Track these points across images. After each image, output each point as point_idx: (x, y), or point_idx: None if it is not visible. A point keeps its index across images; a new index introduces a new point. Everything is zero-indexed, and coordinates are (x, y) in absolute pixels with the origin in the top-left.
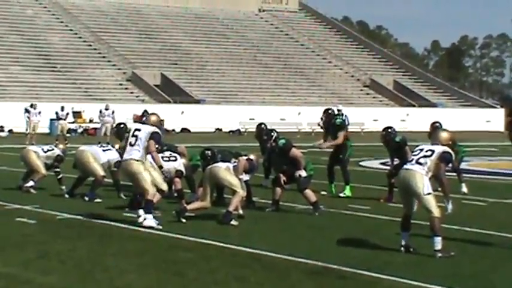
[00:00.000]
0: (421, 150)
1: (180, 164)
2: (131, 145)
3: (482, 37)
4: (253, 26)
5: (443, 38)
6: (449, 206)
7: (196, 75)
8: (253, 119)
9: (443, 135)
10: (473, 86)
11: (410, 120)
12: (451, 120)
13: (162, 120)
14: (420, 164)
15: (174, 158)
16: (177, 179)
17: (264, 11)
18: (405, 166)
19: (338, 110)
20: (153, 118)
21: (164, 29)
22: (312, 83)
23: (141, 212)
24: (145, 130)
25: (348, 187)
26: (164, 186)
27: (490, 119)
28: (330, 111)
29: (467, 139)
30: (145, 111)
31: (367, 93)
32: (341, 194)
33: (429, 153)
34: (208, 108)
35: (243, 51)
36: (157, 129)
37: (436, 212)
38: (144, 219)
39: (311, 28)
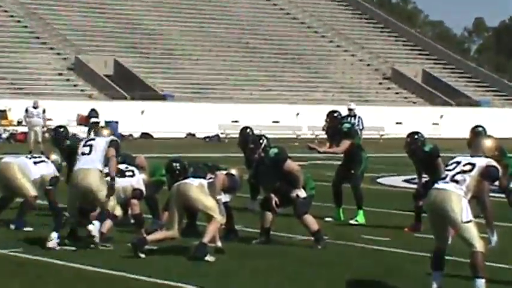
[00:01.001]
0: (458, 163)
1: (138, 180)
2: (84, 154)
3: None
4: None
5: (490, 15)
6: (494, 238)
7: (161, 63)
8: (236, 122)
9: (488, 143)
10: None
11: (445, 123)
12: (499, 123)
13: (116, 123)
14: (457, 181)
15: (130, 173)
16: (134, 201)
17: None
18: (437, 185)
19: (349, 110)
20: (106, 132)
21: (120, 1)
22: (315, 74)
23: (91, 227)
24: (103, 139)
25: (360, 212)
26: (117, 211)
27: None
28: (335, 114)
29: None
30: (93, 110)
31: (388, 88)
32: (352, 221)
33: (468, 167)
34: (178, 106)
35: (224, 31)
36: (115, 138)
37: (478, 246)
38: (92, 224)
39: (313, 1)
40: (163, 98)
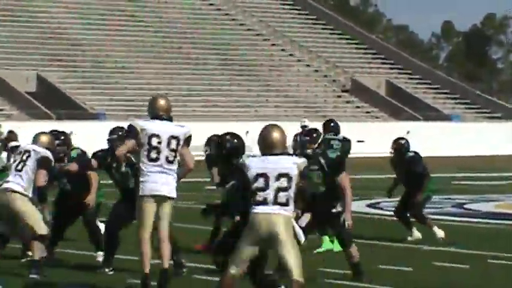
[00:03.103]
0: None
1: None
2: (17, 170)
3: None
4: (177, 2)
5: (460, 18)
6: None
7: (90, 77)
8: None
9: None
10: (505, 88)
11: (412, 140)
12: (472, 139)
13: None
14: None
15: None
16: None
17: None
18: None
19: (302, 127)
20: (44, 139)
21: (39, 6)
22: (266, 87)
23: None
24: (36, 154)
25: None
26: (43, 230)
27: None
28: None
29: (495, 167)
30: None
31: (348, 101)
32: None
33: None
34: (110, 126)
35: (161, 40)
36: (49, 155)
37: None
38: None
39: (263, 5)
40: (94, 117)
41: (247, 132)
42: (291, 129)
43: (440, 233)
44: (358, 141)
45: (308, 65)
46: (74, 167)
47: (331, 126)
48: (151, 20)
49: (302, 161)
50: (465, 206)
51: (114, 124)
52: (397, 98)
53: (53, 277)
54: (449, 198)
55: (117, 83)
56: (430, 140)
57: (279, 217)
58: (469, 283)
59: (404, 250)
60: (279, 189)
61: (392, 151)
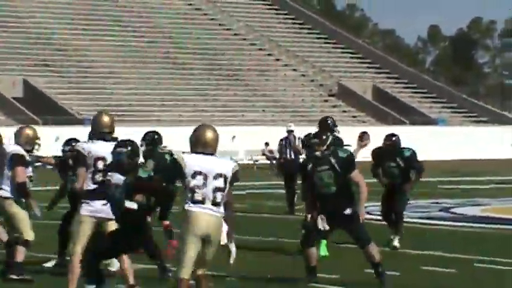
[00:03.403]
0: None
1: None
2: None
3: (502, 20)
4: (163, 7)
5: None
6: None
7: (77, 83)
8: (164, 147)
9: None
10: (492, 92)
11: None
12: (458, 143)
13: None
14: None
15: None
16: None
17: None
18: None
19: (288, 132)
20: (28, 132)
21: (26, 11)
22: (253, 91)
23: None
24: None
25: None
26: (30, 235)
27: None
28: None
29: (481, 171)
30: None
31: (335, 106)
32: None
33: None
34: None
35: (147, 45)
36: (20, 151)
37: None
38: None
39: (249, 9)
40: (80, 122)
41: (234, 137)
42: (278, 133)
43: (396, 243)
44: (345, 146)
45: (295, 70)
46: (51, 160)
47: (328, 124)
48: (137, 25)
49: (235, 165)
50: (452, 210)
51: None
52: (383, 102)
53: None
54: (436, 202)
55: (103, 89)
56: (416, 144)
57: (216, 219)
58: (456, 287)
59: (391, 254)
60: (217, 189)
61: (384, 146)
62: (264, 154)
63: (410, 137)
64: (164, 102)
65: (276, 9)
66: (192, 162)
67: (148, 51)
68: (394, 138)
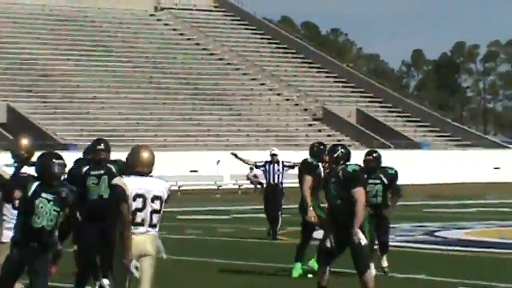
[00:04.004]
0: None
1: None
2: None
3: (485, 44)
4: (147, 32)
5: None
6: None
7: (61, 108)
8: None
9: None
10: (475, 116)
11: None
12: (443, 166)
13: None
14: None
15: None
16: None
17: (162, 9)
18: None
19: (272, 156)
20: (24, 143)
21: (9, 36)
22: (237, 116)
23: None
24: None
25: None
26: None
27: (500, 164)
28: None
29: (465, 194)
30: None
31: (319, 130)
32: None
33: None
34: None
35: (131, 70)
36: None
37: None
38: None
39: (233, 34)
40: (64, 147)
41: (219, 161)
42: (263, 158)
43: (385, 263)
44: None
45: (279, 94)
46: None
47: (315, 150)
48: (122, 50)
49: (170, 184)
50: (436, 234)
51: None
52: (367, 126)
53: None
54: (421, 226)
55: (87, 114)
56: (401, 167)
57: (150, 236)
58: None
59: (375, 278)
60: (154, 211)
61: (365, 163)
62: (248, 179)
63: (395, 160)
64: (148, 127)
65: (260, 34)
66: (133, 185)
67: (133, 76)
68: (375, 155)
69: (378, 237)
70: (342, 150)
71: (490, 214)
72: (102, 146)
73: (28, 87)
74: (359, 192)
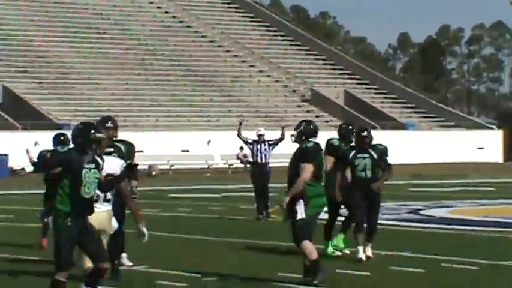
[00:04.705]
0: None
1: None
2: None
3: (469, 27)
4: (140, 15)
5: (415, 30)
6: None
7: (55, 89)
8: (141, 152)
9: None
10: (459, 98)
11: None
12: (427, 147)
13: (5, 156)
14: None
15: None
16: None
17: None
18: None
19: (259, 136)
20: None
21: (5, 18)
22: (227, 97)
23: None
24: None
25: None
26: None
27: (484, 144)
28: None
29: (449, 174)
30: None
31: (308, 111)
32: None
33: None
34: None
35: (124, 51)
36: None
37: None
38: None
39: (224, 17)
40: (59, 127)
41: (209, 141)
42: (252, 138)
43: (369, 252)
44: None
45: (268, 76)
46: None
47: (343, 131)
48: (115, 32)
49: (122, 162)
50: (421, 212)
51: None
52: (355, 108)
53: None
54: (405, 205)
55: (81, 94)
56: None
57: (106, 213)
58: (424, 286)
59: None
60: None
61: (357, 139)
62: (238, 158)
63: (381, 141)
64: (141, 107)
65: (250, 17)
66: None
67: (125, 57)
68: (367, 131)
69: (367, 217)
70: (306, 125)
71: (474, 193)
72: (110, 124)
73: (23, 68)
74: (304, 168)
